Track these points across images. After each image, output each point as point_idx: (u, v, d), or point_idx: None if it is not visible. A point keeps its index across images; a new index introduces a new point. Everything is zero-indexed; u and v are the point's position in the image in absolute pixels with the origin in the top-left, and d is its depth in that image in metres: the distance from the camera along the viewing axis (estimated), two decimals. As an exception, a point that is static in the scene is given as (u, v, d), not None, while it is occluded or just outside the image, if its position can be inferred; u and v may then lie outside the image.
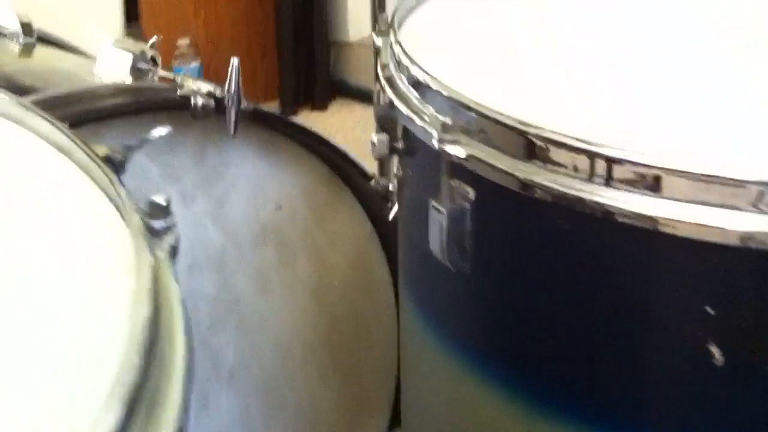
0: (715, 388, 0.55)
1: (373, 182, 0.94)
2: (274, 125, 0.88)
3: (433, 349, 0.73)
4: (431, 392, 0.75)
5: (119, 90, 0.81)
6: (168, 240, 0.39)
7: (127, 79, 0.88)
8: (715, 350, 0.53)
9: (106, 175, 0.39)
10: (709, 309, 0.53)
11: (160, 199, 0.39)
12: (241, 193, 0.89)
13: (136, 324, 0.31)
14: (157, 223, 0.39)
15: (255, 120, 0.85)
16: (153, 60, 0.99)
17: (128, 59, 0.87)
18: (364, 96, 2.56)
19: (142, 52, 0.97)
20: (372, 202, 0.98)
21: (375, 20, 1.09)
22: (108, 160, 0.43)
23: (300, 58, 2.50)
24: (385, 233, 1.01)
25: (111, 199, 0.39)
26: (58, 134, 0.42)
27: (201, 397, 0.90)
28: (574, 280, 0.59)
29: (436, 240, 0.62)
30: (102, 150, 0.44)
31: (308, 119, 2.49)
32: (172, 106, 0.79)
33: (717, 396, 0.55)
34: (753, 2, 0.79)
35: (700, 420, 0.56)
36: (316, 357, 1.01)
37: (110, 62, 0.89)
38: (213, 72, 2.35)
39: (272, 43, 2.52)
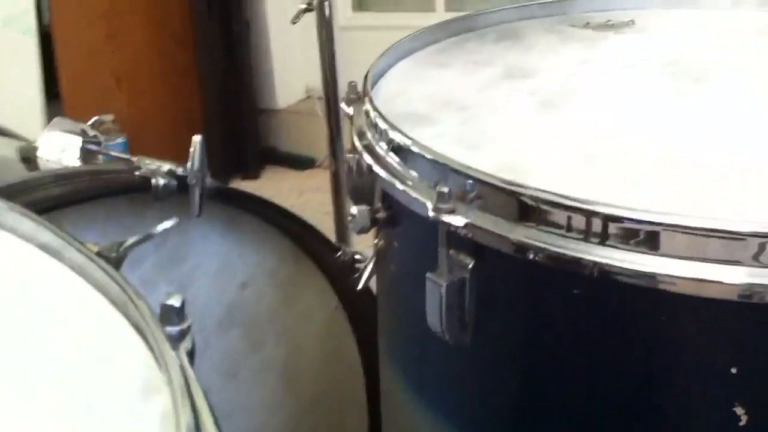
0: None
1: (340, 253, 0.91)
2: (237, 201, 0.84)
3: (427, 424, 0.69)
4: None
5: (73, 174, 0.76)
6: (185, 345, 0.35)
7: (76, 163, 0.83)
8: (740, 411, 0.51)
9: (119, 284, 0.35)
10: (733, 369, 0.51)
11: (175, 301, 0.34)
12: (205, 274, 0.85)
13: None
14: (173, 329, 0.35)
15: (217, 197, 0.81)
16: (96, 139, 0.95)
17: (77, 142, 0.82)
18: (295, 162, 2.54)
19: (83, 132, 0.92)
20: (337, 273, 0.95)
21: (328, 89, 1.08)
22: (101, 258, 0.39)
23: (228, 128, 2.47)
24: (352, 304, 0.98)
25: (127, 314, 0.34)
26: (47, 234, 0.37)
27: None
28: (582, 347, 0.57)
29: (435, 313, 0.59)
30: (93, 248, 0.39)
31: (240, 188, 2.45)
32: (131, 189, 0.74)
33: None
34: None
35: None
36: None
37: (56, 145, 0.84)
38: (139, 146, 2.29)
39: (198, 114, 2.49)
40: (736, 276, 0.49)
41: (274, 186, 2.44)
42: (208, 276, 0.85)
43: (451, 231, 0.56)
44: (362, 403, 1.01)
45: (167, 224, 0.44)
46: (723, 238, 0.49)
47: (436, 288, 0.58)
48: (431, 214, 0.56)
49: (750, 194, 0.55)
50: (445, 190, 0.56)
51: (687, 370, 0.53)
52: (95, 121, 0.99)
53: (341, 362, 1.00)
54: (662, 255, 0.50)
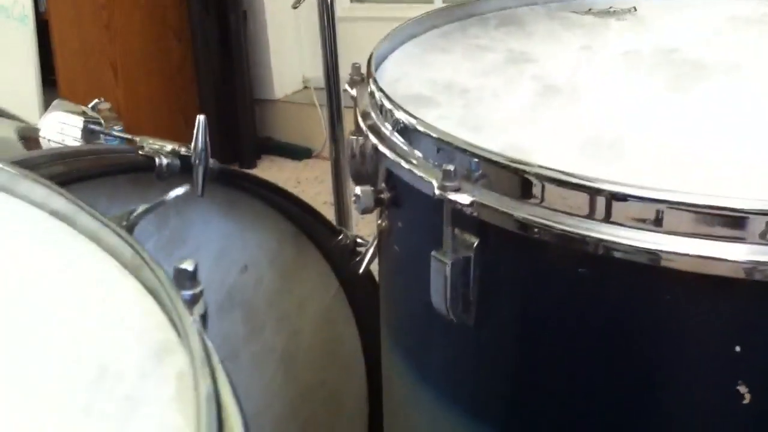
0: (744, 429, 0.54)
1: (341, 237, 0.91)
2: (239, 183, 0.84)
3: (429, 407, 0.69)
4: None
5: (75, 153, 0.76)
6: (198, 310, 0.35)
7: (78, 143, 0.83)
8: (743, 389, 0.52)
9: (133, 248, 0.35)
10: (737, 348, 0.51)
11: (188, 265, 0.35)
12: (206, 256, 0.85)
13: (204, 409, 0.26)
14: (186, 293, 0.35)
15: (219, 178, 0.81)
16: (98, 122, 0.95)
17: (79, 122, 0.82)
18: (292, 152, 2.54)
19: (84, 114, 0.92)
20: (338, 257, 0.95)
21: (328, 75, 1.08)
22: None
23: (224, 118, 2.46)
24: (353, 289, 0.98)
25: (141, 278, 0.34)
26: (59, 200, 0.37)
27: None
28: (586, 325, 0.57)
29: (439, 292, 0.59)
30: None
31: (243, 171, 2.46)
32: (134, 168, 0.74)
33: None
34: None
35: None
36: (287, 430, 0.95)
37: (58, 126, 0.84)
38: (137, 133, 2.28)
39: (195, 105, 2.49)
40: (740, 253, 0.49)
41: (271, 176, 2.43)
42: (209, 258, 0.85)
43: (456, 209, 0.57)
44: (362, 388, 1.02)
45: (179, 191, 0.44)
46: (727, 215, 0.49)
47: (440, 267, 0.58)
48: (437, 192, 0.57)
49: (750, 176, 0.56)
50: (451, 168, 0.56)
51: (690, 348, 0.54)
52: (95, 104, 0.99)
53: (341, 347, 1.01)
54: (666, 233, 0.51)
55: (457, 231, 0.58)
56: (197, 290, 0.34)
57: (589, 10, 0.88)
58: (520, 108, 0.67)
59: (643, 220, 0.51)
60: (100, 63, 2.33)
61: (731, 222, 0.50)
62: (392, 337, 0.75)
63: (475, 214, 0.56)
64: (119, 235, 0.35)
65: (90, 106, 0.98)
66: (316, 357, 0.98)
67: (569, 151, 0.60)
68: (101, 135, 0.84)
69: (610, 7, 0.87)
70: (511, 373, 0.62)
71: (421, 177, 0.59)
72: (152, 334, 0.31)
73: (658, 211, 0.51)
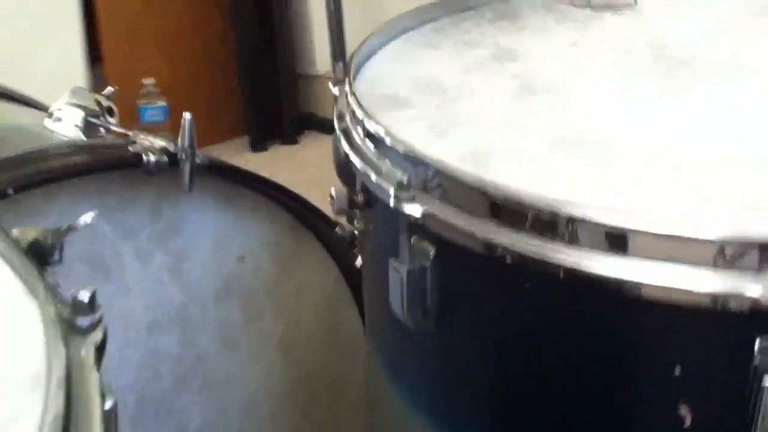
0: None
1: (338, 229, 0.92)
2: (233, 177, 0.86)
3: (398, 407, 0.70)
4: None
5: (71, 149, 0.79)
6: (94, 337, 0.36)
7: (80, 135, 0.86)
8: (685, 411, 0.51)
9: (29, 269, 0.36)
10: (677, 370, 0.51)
11: (84, 296, 0.36)
12: (201, 247, 0.87)
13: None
14: (83, 320, 0.36)
15: (212, 173, 0.83)
16: (110, 110, 0.97)
17: (79, 115, 0.85)
18: (334, 128, 2.55)
19: (98, 102, 0.94)
20: (338, 245, 0.96)
21: (335, 64, 1.08)
22: (37, 245, 0.41)
23: (265, 93, 2.47)
24: (354, 275, 0.99)
25: (32, 296, 0.36)
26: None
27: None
28: (538, 340, 0.57)
29: (397, 299, 0.60)
30: (31, 234, 0.41)
31: (279, 153, 2.48)
32: (125, 164, 0.77)
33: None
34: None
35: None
36: (286, 416, 0.98)
37: (63, 118, 0.86)
38: (180, 111, 2.32)
39: (237, 80, 2.50)
40: (699, 282, 0.48)
41: (313, 151, 2.45)
42: (205, 248, 0.87)
43: (411, 220, 0.57)
44: (363, 382, 1.03)
45: (87, 217, 0.45)
46: (686, 241, 0.48)
47: (397, 274, 0.59)
48: (392, 201, 0.57)
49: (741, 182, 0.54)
50: (404, 179, 0.56)
51: (637, 367, 0.54)
52: (111, 92, 1.01)
53: (342, 333, 1.02)
54: (626, 255, 0.49)
55: (414, 240, 0.58)
56: (95, 317, 0.36)
57: (589, 2, 0.85)
58: (493, 109, 0.67)
59: (599, 242, 0.50)
60: (144, 38, 2.36)
61: (691, 248, 0.48)
62: (370, 333, 0.76)
63: (428, 225, 0.56)
64: (22, 262, 0.37)
65: (104, 93, 1.01)
66: (317, 343, 1.00)
67: (537, 156, 0.60)
68: (101, 128, 0.87)
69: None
70: (473, 380, 0.63)
71: (380, 185, 0.59)
72: (32, 363, 0.33)
73: (614, 234, 0.50)
